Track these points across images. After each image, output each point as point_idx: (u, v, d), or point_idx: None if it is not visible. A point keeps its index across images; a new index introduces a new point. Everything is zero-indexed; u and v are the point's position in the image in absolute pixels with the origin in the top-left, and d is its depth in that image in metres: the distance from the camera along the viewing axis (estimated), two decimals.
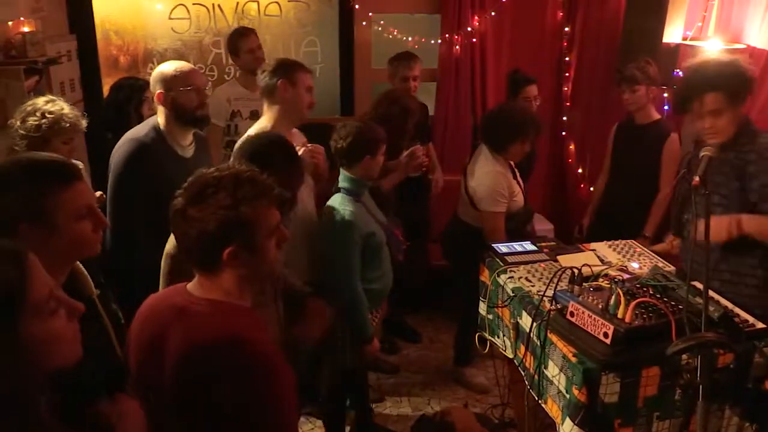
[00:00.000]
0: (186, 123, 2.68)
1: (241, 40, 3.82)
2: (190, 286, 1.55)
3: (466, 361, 3.79)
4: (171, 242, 2.05)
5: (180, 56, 4.58)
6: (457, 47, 4.53)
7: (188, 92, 2.61)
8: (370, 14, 4.54)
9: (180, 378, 1.43)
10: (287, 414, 1.47)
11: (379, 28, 4.56)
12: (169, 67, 2.65)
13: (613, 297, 1.90)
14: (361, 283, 2.68)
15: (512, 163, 3.35)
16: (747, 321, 2.00)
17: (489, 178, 3.22)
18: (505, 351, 2.45)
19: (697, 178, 1.96)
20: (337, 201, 2.70)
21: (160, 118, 2.68)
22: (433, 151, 4.20)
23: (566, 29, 4.70)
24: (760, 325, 1.99)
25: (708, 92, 2.30)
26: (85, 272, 1.57)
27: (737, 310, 2.06)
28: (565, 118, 4.84)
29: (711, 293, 2.00)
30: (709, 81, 2.33)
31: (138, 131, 2.67)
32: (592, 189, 4.27)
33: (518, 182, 3.35)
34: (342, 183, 2.75)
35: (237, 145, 2.55)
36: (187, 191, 1.48)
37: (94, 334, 1.48)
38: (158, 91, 2.62)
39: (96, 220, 1.51)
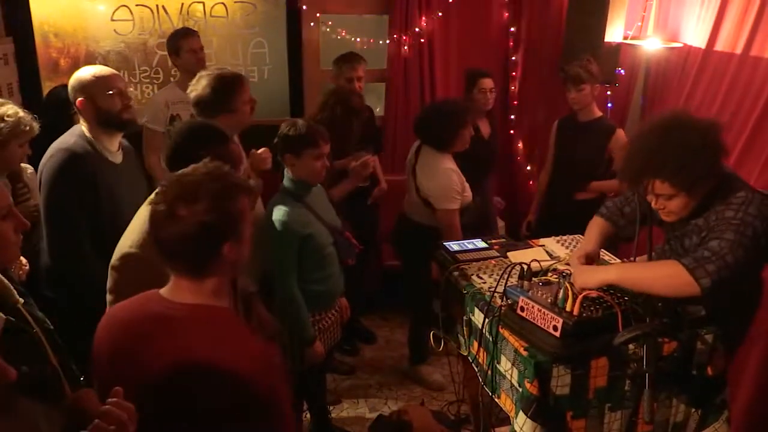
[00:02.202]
0: (111, 128, 2.61)
1: (183, 40, 3.71)
2: (165, 292, 1.52)
3: (421, 359, 3.81)
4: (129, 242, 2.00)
5: (124, 59, 4.48)
6: (406, 47, 4.55)
7: (110, 96, 2.55)
8: (318, 15, 4.52)
9: (176, 387, 1.40)
10: (288, 412, 1.51)
11: (328, 29, 4.55)
12: (86, 72, 2.58)
13: (562, 291, 1.93)
14: (298, 284, 2.65)
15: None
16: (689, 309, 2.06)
17: (442, 176, 3.29)
18: (458, 348, 2.47)
19: None
20: (274, 201, 2.69)
21: (83, 126, 2.61)
22: (378, 162, 4.18)
23: (512, 29, 4.78)
24: (702, 312, 2.05)
25: (654, 179, 1.98)
26: (6, 281, 1.53)
27: None
28: (512, 117, 4.92)
29: None
30: (656, 168, 1.95)
31: (66, 140, 2.58)
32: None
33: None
34: (283, 183, 2.74)
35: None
36: (171, 193, 1.45)
37: (25, 344, 1.44)
38: (79, 99, 2.55)
39: (16, 222, 1.47)
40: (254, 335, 1.54)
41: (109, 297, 2.03)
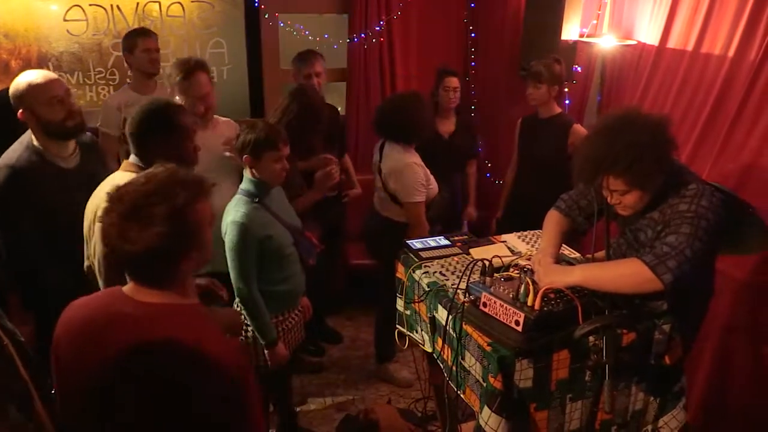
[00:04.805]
0: (58, 137, 2.52)
1: (138, 38, 3.66)
2: (129, 291, 1.48)
3: (388, 357, 3.82)
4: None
5: (78, 60, 4.38)
6: (366, 46, 4.56)
7: (50, 106, 2.44)
8: (277, 14, 4.49)
9: (138, 386, 1.38)
10: (256, 413, 1.47)
11: (287, 28, 4.52)
12: (22, 81, 2.45)
13: (523, 286, 1.96)
14: (260, 286, 2.64)
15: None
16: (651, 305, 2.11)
17: (406, 170, 3.35)
18: (423, 345, 2.48)
19: None
20: (233, 203, 2.67)
21: (31, 134, 2.51)
22: (350, 164, 4.19)
23: (471, 28, 4.82)
24: (664, 307, 2.10)
25: (608, 175, 2.04)
26: None
27: None
28: (473, 115, 4.96)
29: None
30: (608, 166, 2.00)
31: (11, 156, 2.48)
32: (499, 182, 4.42)
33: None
34: (242, 184, 2.71)
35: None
36: (119, 208, 1.39)
37: None
38: (20, 111, 2.44)
39: None
40: (225, 337, 1.52)
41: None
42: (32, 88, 2.43)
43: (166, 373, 1.37)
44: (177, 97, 2.93)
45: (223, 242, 2.63)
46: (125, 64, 3.87)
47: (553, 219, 2.41)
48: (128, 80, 4.32)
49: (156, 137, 2.23)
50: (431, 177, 3.43)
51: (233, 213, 2.60)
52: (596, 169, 2.04)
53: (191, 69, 2.88)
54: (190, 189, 1.45)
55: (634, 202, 2.08)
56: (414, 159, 3.37)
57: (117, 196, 1.42)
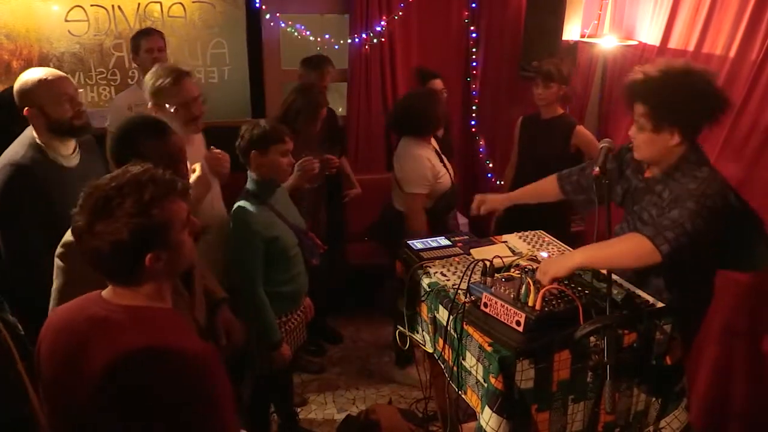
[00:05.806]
0: (63, 135, 2.48)
1: (142, 39, 3.69)
2: (105, 294, 1.50)
3: (409, 358, 3.78)
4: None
5: (79, 60, 4.39)
6: (367, 47, 4.56)
7: (60, 104, 2.39)
8: (278, 15, 4.49)
9: (108, 389, 1.38)
10: (225, 414, 1.45)
11: (288, 29, 4.52)
12: (32, 78, 2.40)
13: (524, 286, 1.95)
14: (264, 287, 2.64)
15: (437, 146, 3.54)
16: (647, 301, 2.11)
17: (414, 161, 3.38)
18: (424, 346, 2.48)
19: (597, 168, 2.07)
20: (239, 204, 2.66)
21: (34, 132, 2.45)
22: (347, 164, 4.19)
23: (472, 28, 4.82)
24: (660, 304, 2.10)
25: (638, 102, 2.16)
26: None
27: (639, 291, 2.17)
28: (474, 115, 4.97)
29: (614, 276, 2.10)
30: (647, 92, 2.12)
31: (14, 153, 2.43)
32: (500, 183, 4.41)
33: (444, 164, 3.51)
34: (247, 185, 2.71)
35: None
36: (87, 206, 1.41)
37: None
38: (26, 108, 2.39)
39: None
40: (196, 340, 1.50)
41: (54, 284, 1.96)
42: (42, 85, 2.39)
43: (132, 379, 1.37)
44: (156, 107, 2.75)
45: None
46: (126, 65, 3.87)
47: (544, 179, 2.69)
48: (129, 80, 4.35)
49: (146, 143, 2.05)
50: (443, 171, 3.45)
51: (238, 214, 2.61)
52: (637, 85, 2.14)
53: (180, 74, 2.73)
54: (161, 186, 1.45)
55: (643, 143, 2.16)
56: (423, 152, 3.39)
57: (88, 192, 1.43)
